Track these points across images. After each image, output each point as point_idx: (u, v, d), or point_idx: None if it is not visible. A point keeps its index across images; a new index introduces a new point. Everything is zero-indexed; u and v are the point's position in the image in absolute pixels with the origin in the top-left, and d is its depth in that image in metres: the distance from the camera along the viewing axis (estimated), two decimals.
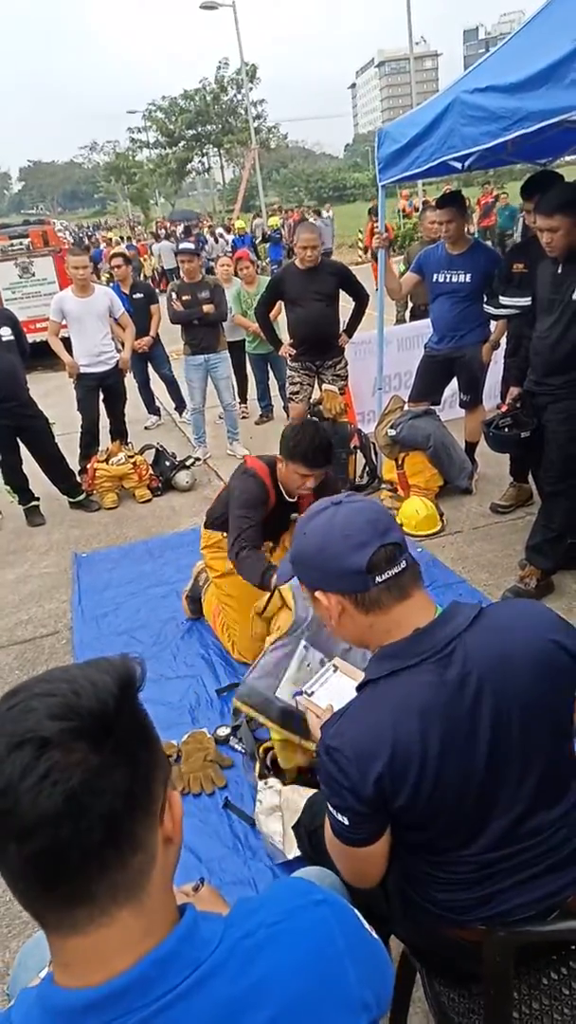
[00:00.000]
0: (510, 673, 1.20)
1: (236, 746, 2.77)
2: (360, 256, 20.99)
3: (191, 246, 6.70)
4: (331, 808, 1.24)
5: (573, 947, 1.34)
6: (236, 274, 7.03)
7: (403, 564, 1.27)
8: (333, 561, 1.29)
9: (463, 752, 1.19)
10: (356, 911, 0.90)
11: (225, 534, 3.16)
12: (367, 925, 0.91)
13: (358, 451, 5.23)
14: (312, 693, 1.83)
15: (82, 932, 0.70)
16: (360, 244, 21.60)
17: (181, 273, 6.24)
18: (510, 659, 1.21)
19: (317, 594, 1.35)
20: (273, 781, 2.41)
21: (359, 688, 1.31)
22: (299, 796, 2.30)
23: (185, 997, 0.70)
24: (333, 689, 1.83)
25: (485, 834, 1.23)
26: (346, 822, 1.21)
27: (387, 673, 1.24)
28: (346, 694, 1.81)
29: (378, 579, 1.25)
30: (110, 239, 28.62)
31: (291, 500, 3.17)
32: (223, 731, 2.84)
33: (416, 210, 20.20)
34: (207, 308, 5.95)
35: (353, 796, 1.18)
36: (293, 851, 2.13)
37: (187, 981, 0.70)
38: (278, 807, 2.30)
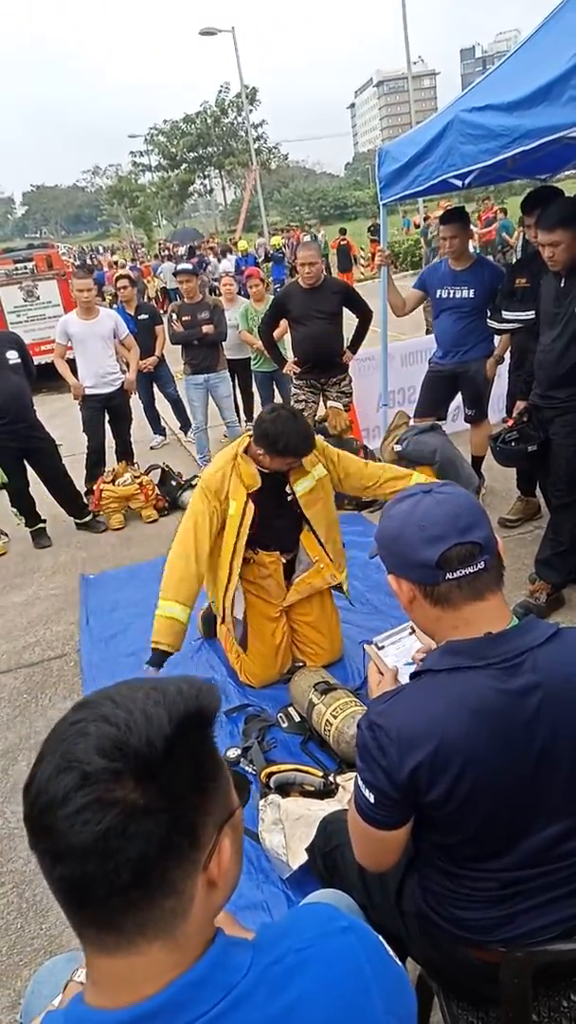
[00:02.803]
0: (573, 698, 1.18)
1: (247, 768, 2.75)
2: (362, 272, 21.16)
3: (189, 266, 6.76)
4: (360, 782, 1.23)
5: None
6: (244, 293, 7.04)
7: (480, 565, 1.24)
8: (407, 550, 1.27)
9: (509, 762, 1.17)
10: (380, 937, 0.89)
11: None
12: (391, 951, 0.90)
13: None
14: (383, 648, 1.77)
15: (111, 955, 0.70)
16: (363, 259, 21.78)
17: (181, 293, 6.30)
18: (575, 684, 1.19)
19: (391, 577, 1.35)
20: (273, 797, 2.40)
21: (414, 676, 1.29)
22: (298, 807, 2.30)
23: (217, 1021, 0.69)
24: (403, 651, 1.77)
25: (515, 851, 1.21)
26: (372, 800, 1.21)
27: (449, 668, 1.22)
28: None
29: (449, 576, 1.23)
30: (114, 262, 28.78)
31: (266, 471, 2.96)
32: (233, 752, 2.81)
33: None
34: (206, 329, 5.99)
35: (386, 777, 1.17)
36: (298, 861, 2.12)
37: (220, 1005, 0.70)
38: (279, 820, 2.29)
